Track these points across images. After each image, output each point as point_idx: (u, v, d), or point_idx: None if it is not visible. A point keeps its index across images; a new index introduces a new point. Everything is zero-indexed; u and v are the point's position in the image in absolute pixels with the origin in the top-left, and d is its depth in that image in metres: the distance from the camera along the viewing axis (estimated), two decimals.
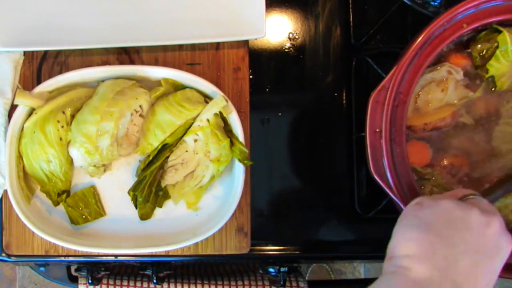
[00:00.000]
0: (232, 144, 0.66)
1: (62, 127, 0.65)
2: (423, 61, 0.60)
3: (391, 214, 0.69)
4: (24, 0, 0.68)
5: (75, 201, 0.68)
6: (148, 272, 0.72)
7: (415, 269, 0.44)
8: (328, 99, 0.76)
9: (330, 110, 0.76)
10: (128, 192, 0.67)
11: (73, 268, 0.77)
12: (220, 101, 0.65)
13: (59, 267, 0.77)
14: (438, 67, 0.64)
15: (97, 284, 0.73)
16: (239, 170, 0.66)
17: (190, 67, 0.71)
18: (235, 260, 0.78)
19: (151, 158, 0.66)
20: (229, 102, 0.66)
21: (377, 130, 0.60)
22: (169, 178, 0.67)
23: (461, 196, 0.51)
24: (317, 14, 0.76)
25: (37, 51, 0.70)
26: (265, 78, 0.75)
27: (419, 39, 0.59)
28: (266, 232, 0.74)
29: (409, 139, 0.64)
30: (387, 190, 0.60)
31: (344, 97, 0.76)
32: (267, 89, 0.75)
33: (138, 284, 0.73)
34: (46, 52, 0.70)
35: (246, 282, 0.74)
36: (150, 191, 0.67)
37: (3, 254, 0.69)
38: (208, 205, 0.69)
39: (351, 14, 0.76)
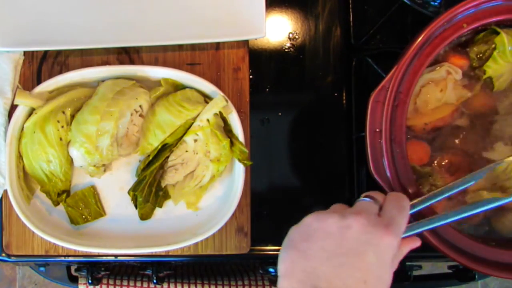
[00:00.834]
0: (232, 144, 0.66)
1: (62, 127, 0.65)
2: (423, 61, 0.60)
3: None
4: (24, 0, 0.68)
5: (75, 201, 0.68)
6: (148, 272, 0.72)
7: (281, 287, 0.47)
8: (328, 99, 0.76)
9: (330, 110, 0.76)
10: (128, 192, 0.67)
11: (73, 268, 0.77)
12: (220, 101, 0.65)
13: (59, 267, 0.77)
14: (437, 68, 0.64)
15: (97, 284, 0.73)
16: (239, 170, 0.66)
17: (190, 67, 0.71)
18: (235, 260, 0.78)
19: (151, 158, 0.66)
20: (229, 102, 0.66)
21: (377, 130, 0.60)
22: (169, 178, 0.67)
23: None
24: (317, 14, 0.77)
25: (37, 51, 0.70)
26: (265, 78, 0.75)
27: (419, 39, 0.59)
28: (266, 232, 0.74)
29: (409, 139, 0.64)
30: (387, 190, 0.60)
31: (344, 97, 0.76)
32: (267, 89, 0.75)
33: (138, 284, 0.73)
34: (46, 52, 0.70)
35: (246, 282, 0.74)
36: (150, 191, 0.67)
37: (3, 254, 0.69)
38: (208, 205, 0.69)
39: (351, 14, 0.76)
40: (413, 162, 0.63)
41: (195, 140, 0.66)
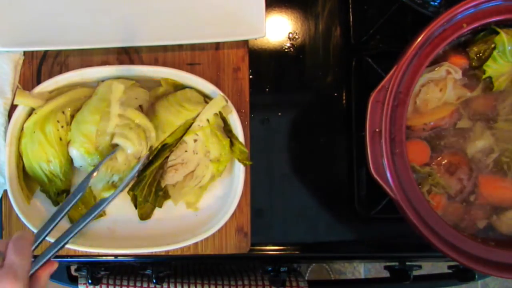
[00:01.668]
0: (232, 144, 0.66)
1: (62, 127, 0.65)
2: (423, 61, 0.60)
3: (391, 214, 0.69)
4: (24, 0, 0.68)
5: None
6: (148, 272, 0.72)
7: None
8: (328, 99, 0.76)
9: (330, 110, 0.76)
10: (128, 192, 0.67)
11: (73, 268, 0.77)
12: (220, 101, 0.65)
13: (59, 267, 0.77)
14: (437, 67, 0.64)
15: (97, 284, 0.73)
16: (239, 170, 0.66)
17: (190, 67, 0.71)
18: (235, 260, 0.78)
19: (150, 158, 0.65)
20: (229, 102, 0.66)
21: (377, 130, 0.60)
22: (169, 178, 0.67)
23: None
24: (317, 14, 0.77)
25: (37, 51, 0.70)
26: (265, 78, 0.75)
27: (419, 39, 0.59)
28: (266, 232, 0.74)
29: (408, 138, 0.64)
30: (387, 190, 0.60)
31: (344, 97, 0.76)
32: (267, 89, 0.75)
33: (138, 284, 0.73)
34: (46, 52, 0.70)
35: (246, 282, 0.74)
36: (150, 191, 0.67)
37: None
38: (208, 205, 0.69)
39: (351, 14, 0.76)
40: (413, 162, 0.63)
41: (195, 140, 0.66)
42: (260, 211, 0.74)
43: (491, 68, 0.64)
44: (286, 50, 0.76)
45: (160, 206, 0.69)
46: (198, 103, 0.67)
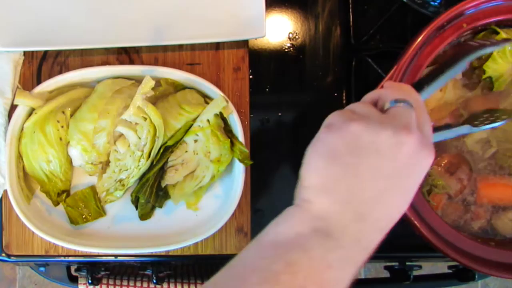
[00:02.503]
0: (232, 144, 0.66)
1: (62, 127, 0.65)
2: (423, 61, 0.60)
3: None
4: (24, 0, 0.68)
5: (75, 201, 0.68)
6: (148, 272, 0.72)
7: (315, 202, 0.41)
8: (328, 99, 0.76)
9: (330, 110, 0.76)
10: (131, 194, 0.67)
11: (73, 268, 0.77)
12: (220, 102, 0.65)
13: (59, 267, 0.77)
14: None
15: (97, 284, 0.73)
16: (239, 170, 0.66)
17: (190, 67, 0.71)
18: None
19: (154, 162, 0.66)
20: (229, 102, 0.66)
21: None
22: (169, 178, 0.67)
23: (387, 101, 0.45)
24: (317, 14, 0.77)
25: (37, 51, 0.70)
26: (265, 78, 0.75)
27: (419, 39, 0.59)
28: None
29: None
30: None
31: (344, 97, 0.76)
32: (267, 89, 0.75)
33: (138, 284, 0.73)
34: (46, 52, 0.70)
35: None
36: (151, 191, 0.67)
37: (3, 254, 0.69)
38: (208, 205, 0.69)
39: (351, 14, 0.76)
40: None
41: (195, 141, 0.66)
42: (260, 211, 0.74)
43: (491, 68, 0.64)
44: (286, 50, 0.76)
45: (161, 206, 0.69)
46: (198, 104, 0.67)
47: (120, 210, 0.69)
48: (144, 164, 0.64)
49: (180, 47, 0.71)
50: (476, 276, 0.73)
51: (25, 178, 0.67)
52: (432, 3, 0.67)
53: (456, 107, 0.65)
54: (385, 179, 0.41)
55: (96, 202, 0.68)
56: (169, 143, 0.65)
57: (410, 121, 0.42)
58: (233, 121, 0.67)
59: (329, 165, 0.41)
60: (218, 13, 0.68)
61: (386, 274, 0.80)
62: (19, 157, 0.66)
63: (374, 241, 0.42)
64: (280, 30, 0.76)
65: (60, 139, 0.64)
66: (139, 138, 0.64)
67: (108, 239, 0.68)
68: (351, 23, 0.76)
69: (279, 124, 0.75)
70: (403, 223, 0.60)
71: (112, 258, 0.71)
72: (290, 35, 0.76)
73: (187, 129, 0.66)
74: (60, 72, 0.70)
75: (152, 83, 0.62)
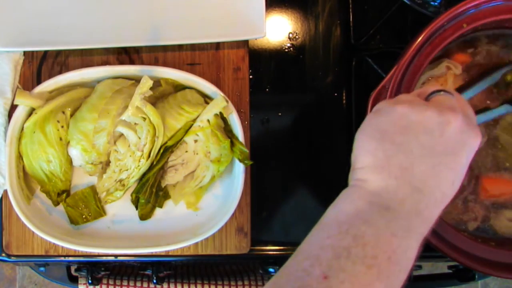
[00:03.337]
0: (232, 144, 0.66)
1: (62, 127, 0.65)
2: (423, 61, 0.60)
3: None
4: (24, 0, 0.68)
5: (75, 201, 0.68)
6: (148, 272, 0.72)
7: (371, 180, 0.44)
8: (328, 99, 0.76)
9: (330, 110, 0.76)
10: (131, 195, 0.67)
11: (73, 268, 0.77)
12: (220, 102, 0.65)
13: (59, 267, 0.77)
14: (437, 67, 0.64)
15: (97, 284, 0.73)
16: (239, 170, 0.66)
17: (190, 67, 0.71)
18: (235, 260, 0.78)
19: (154, 163, 0.66)
20: (229, 102, 0.66)
21: None
22: (169, 178, 0.67)
23: (428, 93, 0.49)
24: (317, 14, 0.77)
25: (37, 51, 0.70)
26: (265, 78, 0.75)
27: (419, 39, 0.59)
28: (266, 232, 0.74)
29: None
30: None
31: (344, 97, 0.76)
32: (267, 89, 0.75)
33: (138, 284, 0.73)
34: (46, 52, 0.70)
35: (246, 282, 0.74)
36: (151, 191, 0.67)
37: (3, 254, 0.69)
38: (208, 205, 0.69)
39: (351, 14, 0.76)
40: None
41: (195, 141, 0.66)
42: (260, 211, 0.74)
43: None
44: (286, 50, 0.76)
45: (161, 206, 0.69)
46: (198, 104, 0.67)
47: (120, 210, 0.69)
48: (144, 164, 0.64)
49: (180, 47, 0.71)
50: (476, 276, 0.73)
51: (25, 178, 0.67)
52: (432, 3, 0.67)
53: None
54: (435, 155, 0.43)
55: (96, 202, 0.68)
56: (169, 143, 0.65)
57: (453, 104, 0.45)
58: (233, 121, 0.67)
59: (380, 145, 0.44)
60: (218, 13, 0.68)
61: None
62: (19, 157, 0.66)
63: (432, 214, 0.44)
64: (280, 30, 0.76)
65: (60, 139, 0.64)
66: (139, 138, 0.64)
67: (108, 239, 0.68)
68: (351, 23, 0.76)
69: (279, 124, 0.75)
70: None
71: (112, 258, 0.71)
72: (290, 35, 0.76)
73: (187, 129, 0.66)
74: (60, 72, 0.70)
75: (150, 83, 0.62)
